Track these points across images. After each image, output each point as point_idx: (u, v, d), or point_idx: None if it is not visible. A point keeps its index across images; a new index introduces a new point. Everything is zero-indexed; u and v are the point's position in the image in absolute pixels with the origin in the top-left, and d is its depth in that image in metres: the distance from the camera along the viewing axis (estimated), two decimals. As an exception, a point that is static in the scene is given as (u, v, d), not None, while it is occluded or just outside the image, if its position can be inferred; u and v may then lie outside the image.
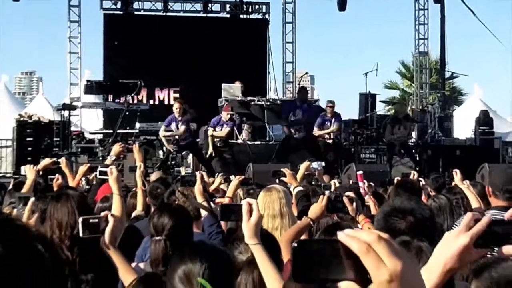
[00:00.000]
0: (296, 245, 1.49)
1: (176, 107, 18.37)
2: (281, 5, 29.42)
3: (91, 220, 4.46)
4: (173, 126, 18.34)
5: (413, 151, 21.27)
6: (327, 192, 6.45)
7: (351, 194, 6.08)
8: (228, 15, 28.40)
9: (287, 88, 29.32)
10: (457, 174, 8.77)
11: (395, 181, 9.42)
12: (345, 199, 5.65)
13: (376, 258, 1.44)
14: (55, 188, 8.69)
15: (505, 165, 6.42)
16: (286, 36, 29.41)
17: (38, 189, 8.54)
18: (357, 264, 1.46)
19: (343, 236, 1.47)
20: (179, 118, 18.30)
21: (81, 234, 4.42)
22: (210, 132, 18.80)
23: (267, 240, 3.86)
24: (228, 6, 28.26)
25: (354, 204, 5.70)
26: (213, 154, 18.74)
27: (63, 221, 4.92)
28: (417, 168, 19.28)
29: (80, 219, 4.45)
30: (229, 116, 19.07)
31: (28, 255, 1.46)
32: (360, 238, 1.46)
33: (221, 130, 19.02)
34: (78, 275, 4.79)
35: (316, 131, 19.69)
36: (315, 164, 12.29)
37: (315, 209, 5.48)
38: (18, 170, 17.32)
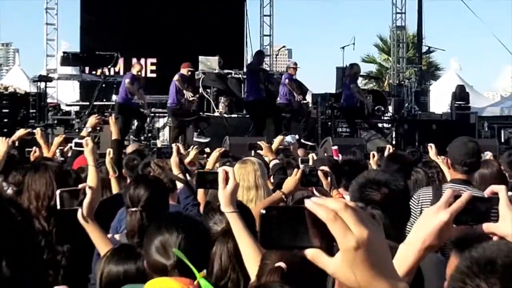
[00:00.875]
0: (264, 212, 1.51)
1: (137, 70, 18.41)
2: (259, -22, 29.31)
3: (68, 193, 4.47)
4: (136, 85, 18.24)
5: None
6: (301, 166, 6.46)
7: (326, 168, 6.09)
8: (206, -13, 28.24)
9: (264, 62, 29.26)
10: (432, 149, 8.84)
11: (371, 155, 9.45)
12: (319, 173, 5.65)
13: (343, 225, 1.46)
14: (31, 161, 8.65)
15: (465, 137, 6.33)
16: (264, 9, 29.34)
17: (13, 161, 8.49)
18: (323, 232, 1.48)
19: (310, 204, 1.49)
20: (141, 83, 18.40)
21: (58, 207, 4.43)
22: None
23: (242, 212, 3.88)
24: (206, -22, 28.08)
25: (329, 178, 5.71)
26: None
27: (41, 192, 4.92)
28: (393, 142, 19.42)
29: (58, 192, 4.46)
30: (189, 73, 18.81)
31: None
32: (327, 206, 1.48)
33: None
34: (54, 246, 4.80)
35: (300, 98, 19.51)
36: (288, 138, 12.31)
37: (288, 183, 5.49)
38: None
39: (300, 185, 5.52)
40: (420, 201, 5.99)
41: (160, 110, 21.35)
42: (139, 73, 18.46)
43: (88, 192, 4.38)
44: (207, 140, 18.24)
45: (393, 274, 1.54)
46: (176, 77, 18.31)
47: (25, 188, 4.99)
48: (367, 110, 20.37)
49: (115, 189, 7.66)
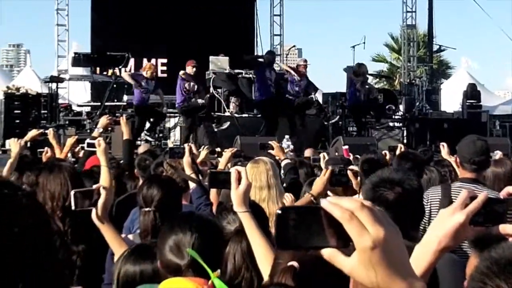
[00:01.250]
0: (279, 212, 1.50)
1: (150, 72, 18.41)
2: (269, -23, 29.29)
3: (83, 193, 4.49)
4: (144, 83, 18.25)
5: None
6: (330, 166, 6.37)
7: (355, 167, 6.05)
8: (216, -13, 28.25)
9: (275, 61, 29.22)
10: (444, 148, 8.81)
11: (383, 154, 9.44)
12: (349, 173, 5.61)
13: (359, 225, 1.46)
14: (44, 161, 8.65)
15: (474, 136, 6.27)
16: (274, 9, 29.33)
17: (24, 162, 8.49)
18: (340, 232, 1.47)
19: (326, 203, 1.48)
20: (152, 81, 18.41)
21: (73, 207, 4.45)
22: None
23: (255, 211, 3.88)
24: (216, -22, 28.09)
25: (359, 178, 5.67)
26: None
27: (56, 192, 4.94)
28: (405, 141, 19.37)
29: (72, 192, 4.48)
30: (194, 69, 18.85)
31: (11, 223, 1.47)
32: (343, 206, 1.47)
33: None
34: (70, 246, 4.82)
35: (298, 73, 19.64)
36: (284, 144, 12.32)
37: (317, 184, 5.45)
38: (5, 143, 17.31)
39: (329, 185, 5.50)
40: (429, 201, 5.96)
41: (170, 110, 21.40)
42: (154, 74, 18.51)
43: (102, 193, 4.40)
44: (227, 124, 18.51)
45: (410, 273, 1.53)
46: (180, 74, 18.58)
47: (39, 189, 5.01)
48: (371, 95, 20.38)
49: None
